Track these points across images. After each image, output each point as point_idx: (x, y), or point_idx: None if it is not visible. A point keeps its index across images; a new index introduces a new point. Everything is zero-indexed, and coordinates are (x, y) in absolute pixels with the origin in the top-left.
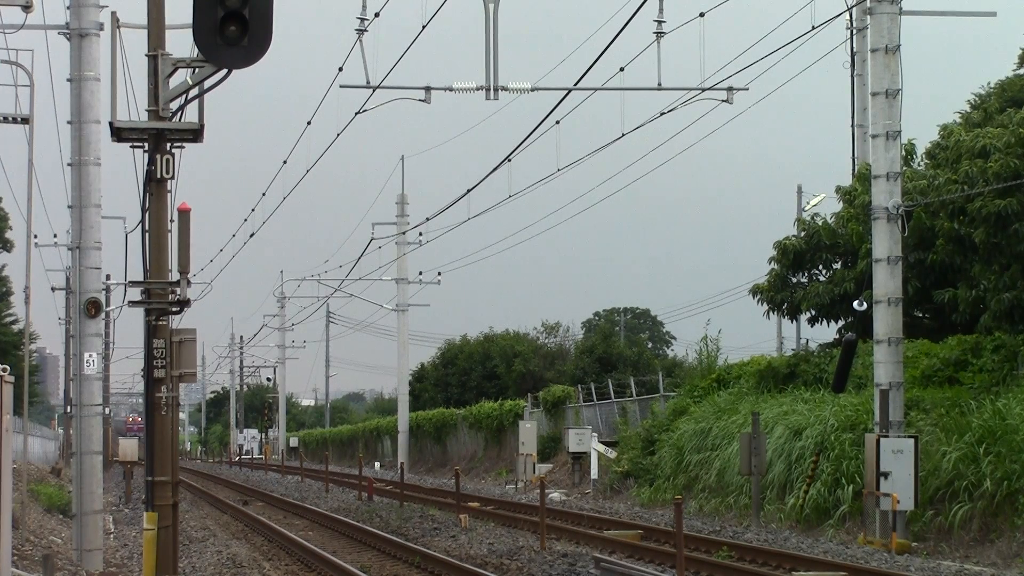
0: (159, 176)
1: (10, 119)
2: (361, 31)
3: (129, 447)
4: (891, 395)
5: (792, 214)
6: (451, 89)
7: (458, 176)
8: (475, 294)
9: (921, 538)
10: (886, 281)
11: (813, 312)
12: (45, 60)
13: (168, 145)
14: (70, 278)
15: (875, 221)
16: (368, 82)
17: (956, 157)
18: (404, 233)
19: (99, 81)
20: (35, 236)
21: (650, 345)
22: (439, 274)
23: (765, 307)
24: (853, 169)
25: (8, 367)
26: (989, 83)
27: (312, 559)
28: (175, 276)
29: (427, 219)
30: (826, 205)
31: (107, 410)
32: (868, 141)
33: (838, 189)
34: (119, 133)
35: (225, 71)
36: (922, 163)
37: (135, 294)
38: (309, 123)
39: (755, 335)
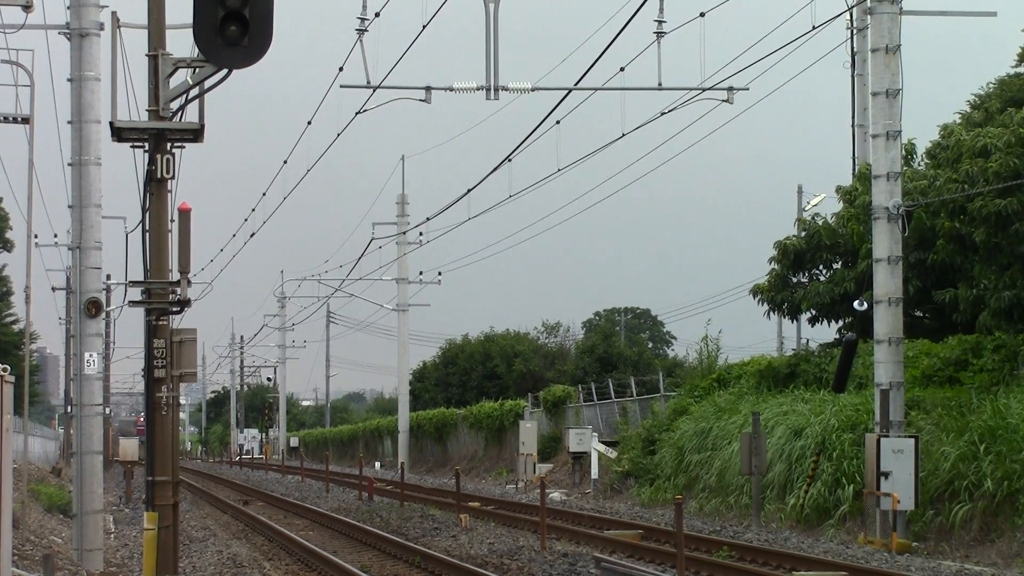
0: (159, 176)
1: (10, 119)
2: (361, 31)
3: (129, 447)
4: (891, 395)
5: (792, 214)
6: (451, 89)
7: (458, 176)
8: (475, 294)
9: (921, 538)
10: (886, 281)
11: (813, 312)
12: (45, 60)
13: (168, 145)
14: (70, 278)
15: (875, 221)
16: (368, 82)
17: (956, 157)
18: (404, 233)
19: (99, 81)
20: (35, 236)
21: (650, 345)
22: (439, 274)
23: (765, 307)
24: (853, 169)
25: (8, 367)
26: (989, 83)
27: (312, 559)
28: (175, 276)
29: (427, 219)
30: (826, 205)
31: (107, 410)
32: (868, 141)
33: (838, 189)
34: (119, 133)
35: (225, 71)
36: (922, 163)
37: (135, 294)
38: (309, 123)
39: (755, 335)
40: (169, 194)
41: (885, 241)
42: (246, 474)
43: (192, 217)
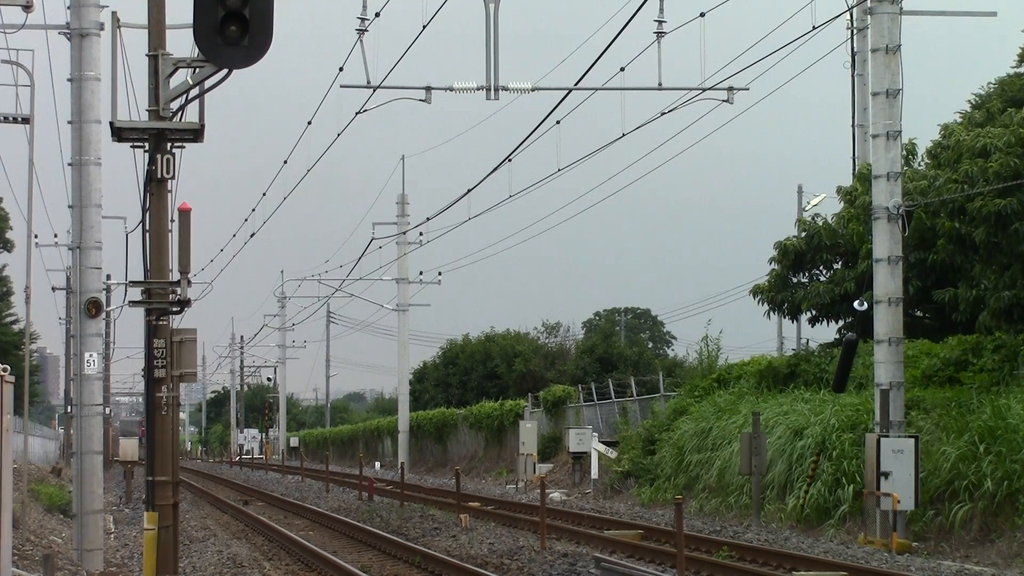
0: (160, 176)
1: (10, 119)
2: (361, 31)
3: (129, 447)
4: (891, 395)
5: (792, 214)
6: (451, 89)
7: (458, 176)
8: (475, 294)
9: (921, 538)
10: (886, 281)
11: (814, 312)
12: (46, 60)
13: (169, 145)
14: (70, 278)
15: (876, 221)
16: (368, 82)
17: (957, 157)
18: (404, 233)
19: (99, 81)
20: (35, 236)
21: (650, 345)
22: (439, 274)
23: (765, 307)
24: (853, 169)
25: (8, 367)
26: (990, 83)
27: (312, 559)
28: (175, 276)
29: (427, 219)
30: (826, 205)
31: (107, 410)
32: (869, 141)
33: (839, 189)
34: (119, 133)
35: (225, 71)
36: (923, 163)
37: (135, 294)
38: (309, 123)
39: (755, 335)
40: (169, 194)
41: (885, 241)
42: (246, 474)
43: (192, 217)
